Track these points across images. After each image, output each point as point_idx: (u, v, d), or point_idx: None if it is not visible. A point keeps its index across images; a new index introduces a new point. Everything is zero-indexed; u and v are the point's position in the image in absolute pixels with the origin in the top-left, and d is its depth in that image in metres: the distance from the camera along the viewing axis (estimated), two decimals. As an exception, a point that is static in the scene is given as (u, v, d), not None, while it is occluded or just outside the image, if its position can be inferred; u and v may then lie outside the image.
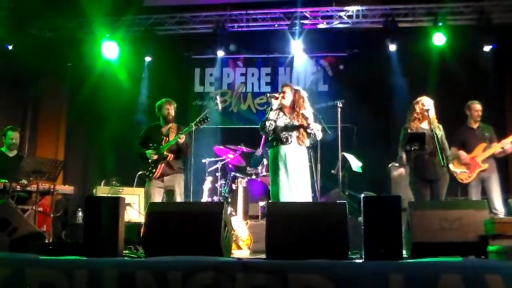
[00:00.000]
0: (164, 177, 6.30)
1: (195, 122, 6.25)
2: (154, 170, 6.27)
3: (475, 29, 8.72)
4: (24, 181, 7.14)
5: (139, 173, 6.49)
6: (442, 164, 5.72)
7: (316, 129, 5.82)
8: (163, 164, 6.27)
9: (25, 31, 9.16)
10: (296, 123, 5.77)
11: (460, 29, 8.80)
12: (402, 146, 6.01)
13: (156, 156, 6.25)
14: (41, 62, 9.21)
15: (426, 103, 5.98)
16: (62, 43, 9.51)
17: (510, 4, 8.70)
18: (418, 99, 6.09)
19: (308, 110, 5.91)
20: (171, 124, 6.49)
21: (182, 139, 6.21)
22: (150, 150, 6.29)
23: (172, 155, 6.30)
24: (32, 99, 10.06)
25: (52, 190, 7.33)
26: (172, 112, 6.50)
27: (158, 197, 6.27)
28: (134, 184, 6.84)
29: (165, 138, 6.37)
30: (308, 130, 5.78)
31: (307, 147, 5.95)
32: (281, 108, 5.90)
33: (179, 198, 6.30)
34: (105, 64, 9.66)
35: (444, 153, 5.87)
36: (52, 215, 7.31)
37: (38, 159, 7.59)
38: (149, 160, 6.29)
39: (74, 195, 8.28)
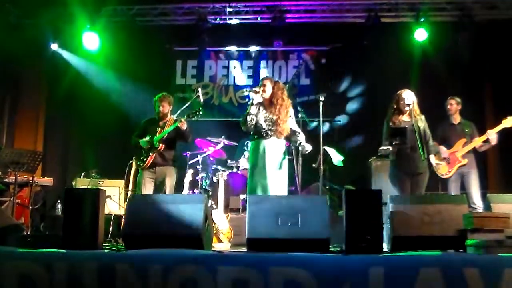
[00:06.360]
0: (157, 167, 6.29)
1: (188, 114, 6.32)
2: (145, 160, 6.26)
3: (456, 26, 8.81)
4: (-1, 172, 7.07)
5: (130, 161, 6.50)
6: (423, 158, 5.77)
7: (303, 140, 5.79)
8: (154, 154, 6.26)
9: (4, 20, 9.00)
10: (274, 117, 5.67)
11: (442, 25, 8.87)
12: (385, 139, 6.03)
13: (150, 145, 6.25)
14: (20, 52, 9.05)
15: (406, 96, 5.99)
16: (42, 34, 9.38)
17: (490, 2, 8.80)
18: (399, 92, 6.10)
19: (287, 102, 5.77)
20: (168, 117, 6.48)
21: (183, 123, 6.18)
22: (144, 139, 6.30)
23: (164, 145, 6.28)
24: (11, 89, 9.89)
25: (30, 181, 7.25)
26: (165, 109, 6.46)
27: (149, 187, 6.26)
28: (125, 173, 6.94)
29: (159, 129, 6.35)
30: (293, 138, 5.81)
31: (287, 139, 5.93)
32: (261, 102, 5.80)
33: (169, 191, 6.26)
34: (86, 55, 9.55)
35: (426, 145, 5.90)
36: (30, 207, 7.24)
37: (17, 150, 7.49)
38: (143, 151, 6.30)
39: (53, 187, 8.20)
